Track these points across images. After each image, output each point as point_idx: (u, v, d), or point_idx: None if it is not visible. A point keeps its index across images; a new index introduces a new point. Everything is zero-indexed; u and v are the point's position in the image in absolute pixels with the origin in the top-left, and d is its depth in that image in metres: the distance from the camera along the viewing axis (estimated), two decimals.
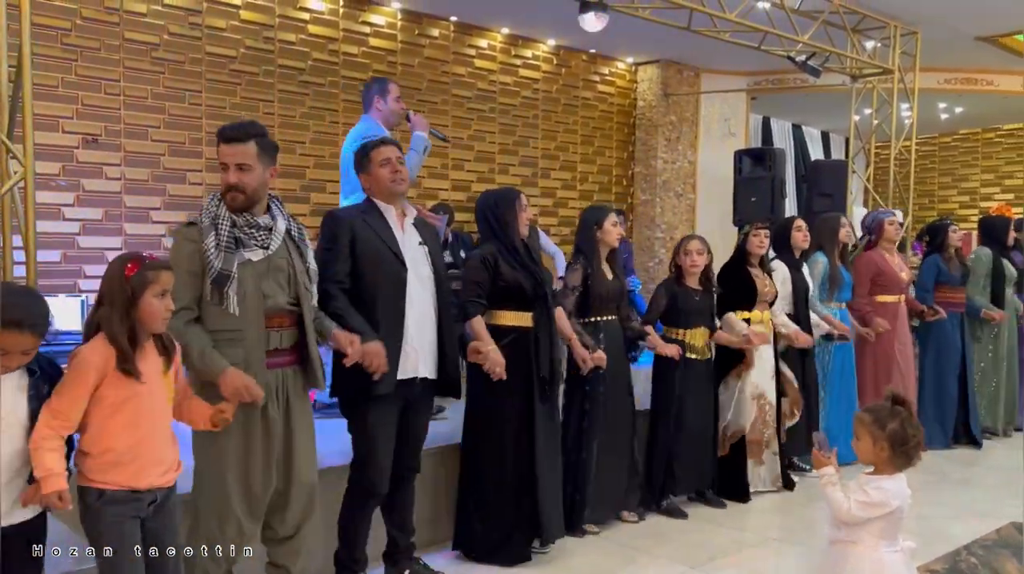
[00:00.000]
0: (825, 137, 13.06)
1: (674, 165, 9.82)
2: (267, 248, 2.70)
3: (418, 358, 3.22)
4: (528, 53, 8.73)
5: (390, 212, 3.25)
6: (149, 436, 2.32)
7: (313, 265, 2.86)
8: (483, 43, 8.34)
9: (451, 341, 3.36)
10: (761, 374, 4.72)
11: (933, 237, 6.07)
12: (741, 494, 4.68)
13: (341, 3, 7.30)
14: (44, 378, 2.23)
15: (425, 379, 3.28)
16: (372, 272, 3.12)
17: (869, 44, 7.68)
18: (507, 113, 8.55)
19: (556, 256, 7.33)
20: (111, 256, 6.55)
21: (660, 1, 5.92)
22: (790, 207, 11.25)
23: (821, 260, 5.26)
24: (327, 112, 7.21)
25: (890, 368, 5.48)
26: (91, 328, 2.30)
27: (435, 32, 7.95)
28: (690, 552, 3.95)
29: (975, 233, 9.18)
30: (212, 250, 2.60)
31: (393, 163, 3.24)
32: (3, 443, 2.13)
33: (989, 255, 6.13)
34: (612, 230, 4.16)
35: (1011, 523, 4.34)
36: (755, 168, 8.47)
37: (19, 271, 3.55)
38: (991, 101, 10.43)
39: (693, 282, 4.49)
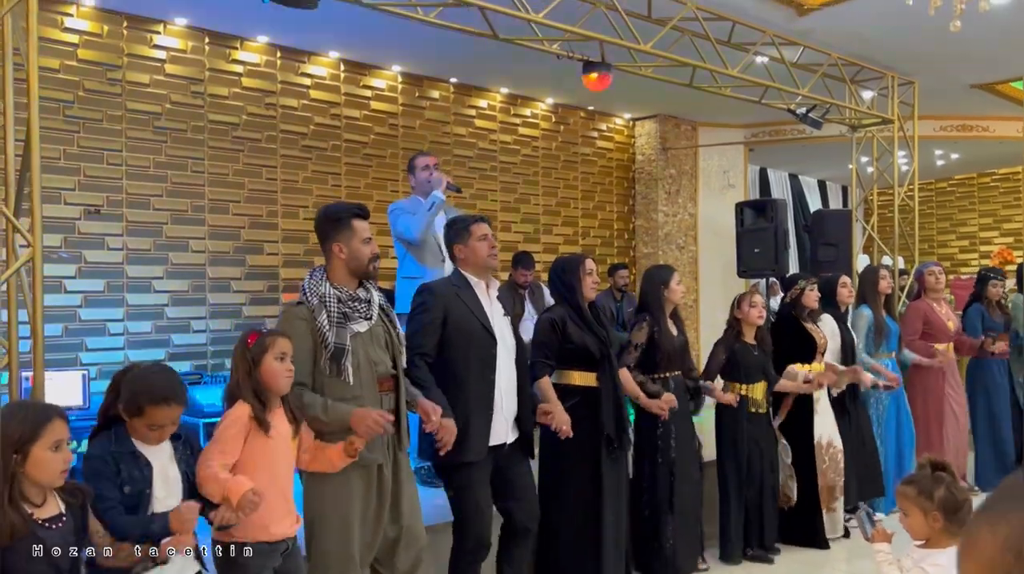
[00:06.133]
0: (822, 186, 13.10)
1: (675, 218, 9.82)
2: (370, 319, 2.95)
3: (507, 425, 3.45)
4: (527, 111, 8.77)
5: (480, 286, 3.45)
6: (276, 488, 2.61)
7: (402, 332, 3.08)
8: (483, 103, 8.39)
9: (528, 403, 3.56)
10: (824, 423, 4.82)
11: (977, 287, 6.23)
12: (819, 541, 4.72)
13: (342, 67, 7.33)
14: (186, 444, 2.50)
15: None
16: (465, 346, 3.33)
17: (867, 94, 7.73)
18: (508, 171, 8.55)
19: None
20: (113, 328, 6.43)
21: (662, 59, 5.93)
22: (793, 257, 11.26)
23: (865, 313, 5.38)
24: (329, 175, 7.19)
25: (942, 411, 5.56)
26: (230, 396, 2.62)
27: (435, 94, 7.99)
28: None
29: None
30: (326, 326, 2.83)
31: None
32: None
33: None
34: (677, 289, 4.32)
35: None
36: (757, 219, 8.42)
37: (24, 346, 3.45)
38: (986, 146, 10.50)
39: (750, 337, 4.63)
